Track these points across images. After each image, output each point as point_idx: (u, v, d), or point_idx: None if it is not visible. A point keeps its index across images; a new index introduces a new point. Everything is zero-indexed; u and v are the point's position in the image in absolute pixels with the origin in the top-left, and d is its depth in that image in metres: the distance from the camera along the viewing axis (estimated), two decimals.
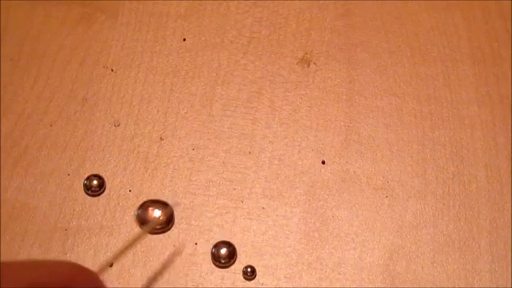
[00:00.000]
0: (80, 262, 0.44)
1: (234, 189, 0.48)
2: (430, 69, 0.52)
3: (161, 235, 0.46)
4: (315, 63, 0.53)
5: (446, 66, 0.53)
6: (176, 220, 0.47)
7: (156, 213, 0.46)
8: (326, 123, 0.50)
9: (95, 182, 0.47)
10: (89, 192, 0.47)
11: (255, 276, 0.45)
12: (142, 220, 0.46)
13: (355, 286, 0.45)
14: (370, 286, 0.45)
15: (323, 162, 0.49)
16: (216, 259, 0.45)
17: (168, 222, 0.46)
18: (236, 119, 0.50)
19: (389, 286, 0.45)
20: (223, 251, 0.45)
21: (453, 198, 0.48)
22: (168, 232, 0.46)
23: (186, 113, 0.51)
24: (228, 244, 0.46)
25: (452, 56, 0.53)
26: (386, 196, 0.48)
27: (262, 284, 0.45)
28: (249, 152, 0.49)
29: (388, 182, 0.48)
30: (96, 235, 0.46)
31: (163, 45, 0.53)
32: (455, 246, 0.46)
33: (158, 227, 0.46)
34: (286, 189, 0.48)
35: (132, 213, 0.47)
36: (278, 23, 0.54)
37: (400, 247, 0.46)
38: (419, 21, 0.54)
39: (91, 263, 0.45)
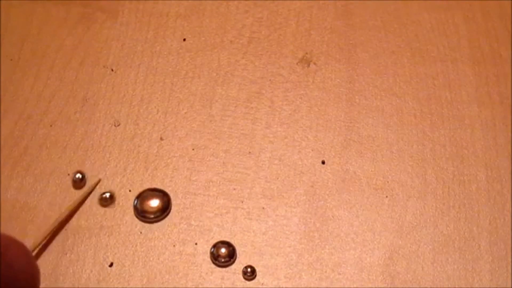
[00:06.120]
0: (80, 262, 0.45)
1: (234, 189, 0.48)
2: (430, 69, 0.52)
3: (161, 236, 0.46)
4: (315, 63, 0.53)
5: (446, 66, 0.53)
6: (175, 220, 0.47)
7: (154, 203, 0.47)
8: (326, 123, 0.50)
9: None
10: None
11: (255, 276, 0.45)
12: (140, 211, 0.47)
13: (355, 286, 0.45)
14: (370, 286, 0.45)
15: (323, 162, 0.49)
16: (216, 258, 0.45)
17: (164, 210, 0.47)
18: (236, 119, 0.50)
19: (389, 286, 0.45)
20: (223, 250, 0.45)
21: (453, 198, 0.48)
22: (168, 233, 0.46)
23: (186, 113, 0.51)
24: (228, 244, 0.46)
25: (452, 56, 0.53)
26: (386, 196, 0.48)
27: (262, 284, 0.45)
28: (249, 152, 0.49)
29: (388, 182, 0.48)
30: (96, 235, 0.46)
31: (163, 45, 0.53)
32: (455, 246, 0.46)
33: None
34: (286, 189, 0.48)
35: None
36: (278, 23, 0.54)
37: (400, 247, 0.46)
38: (419, 21, 0.54)
39: (91, 263, 0.45)
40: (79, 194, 0.47)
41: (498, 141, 0.50)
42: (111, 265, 0.45)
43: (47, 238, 0.45)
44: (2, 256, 0.38)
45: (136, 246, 0.46)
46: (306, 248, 0.46)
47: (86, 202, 0.47)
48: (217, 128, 0.50)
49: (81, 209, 0.47)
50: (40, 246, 0.44)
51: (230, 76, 0.52)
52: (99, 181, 0.47)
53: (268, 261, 0.45)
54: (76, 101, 0.51)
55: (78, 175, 0.47)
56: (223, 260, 0.45)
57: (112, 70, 0.52)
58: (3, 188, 0.47)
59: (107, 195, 0.47)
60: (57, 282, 0.44)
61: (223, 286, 0.45)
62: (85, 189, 0.47)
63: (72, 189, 0.47)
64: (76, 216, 0.46)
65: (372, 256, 0.46)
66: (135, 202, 0.47)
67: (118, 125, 0.50)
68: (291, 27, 0.54)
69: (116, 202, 0.47)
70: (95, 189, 0.47)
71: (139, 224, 0.46)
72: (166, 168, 0.48)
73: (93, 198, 0.47)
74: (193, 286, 0.45)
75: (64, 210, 0.46)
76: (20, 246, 0.41)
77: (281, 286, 0.45)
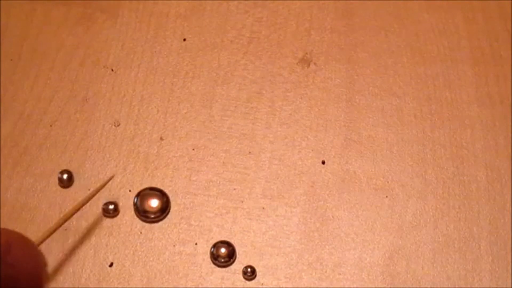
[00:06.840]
0: (80, 262, 0.45)
1: (234, 189, 0.48)
2: (430, 69, 0.52)
3: (161, 236, 0.46)
4: (315, 63, 0.53)
5: (446, 66, 0.53)
6: (175, 220, 0.47)
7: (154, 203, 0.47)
8: (326, 123, 0.50)
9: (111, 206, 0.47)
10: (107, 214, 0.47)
11: (255, 276, 0.45)
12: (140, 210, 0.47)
13: (355, 286, 0.45)
14: (370, 286, 0.45)
15: (323, 162, 0.49)
16: (216, 258, 0.45)
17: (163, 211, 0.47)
18: (236, 119, 0.50)
19: (389, 286, 0.45)
20: (223, 250, 0.45)
21: (453, 198, 0.48)
22: (168, 233, 0.46)
23: (186, 113, 0.51)
24: (228, 244, 0.46)
25: (452, 56, 0.53)
26: (386, 196, 0.48)
27: (262, 284, 0.45)
28: (249, 152, 0.49)
29: (388, 182, 0.48)
30: (96, 235, 0.46)
31: (163, 45, 0.53)
32: (455, 246, 0.46)
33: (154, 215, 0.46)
34: (286, 189, 0.48)
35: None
36: (278, 23, 0.54)
37: (400, 247, 0.46)
38: (419, 21, 0.54)
39: (91, 263, 0.45)
40: (77, 193, 0.47)
41: (498, 141, 0.50)
42: (111, 265, 0.45)
43: (50, 235, 0.44)
44: (3, 254, 0.38)
45: (136, 246, 0.46)
46: (306, 248, 0.46)
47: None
48: (217, 128, 0.50)
49: (81, 209, 0.47)
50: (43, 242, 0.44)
51: (230, 76, 0.52)
52: (112, 177, 0.47)
53: (268, 261, 0.45)
54: (76, 101, 0.51)
55: (65, 175, 0.47)
56: (223, 260, 0.45)
57: (112, 70, 0.52)
58: (3, 188, 0.47)
59: (111, 206, 0.47)
60: (57, 282, 0.44)
61: (223, 286, 0.45)
62: (97, 185, 0.47)
63: (72, 189, 0.47)
64: (76, 216, 0.46)
65: (372, 256, 0.46)
66: (135, 200, 0.47)
67: (118, 125, 0.50)
68: (291, 27, 0.54)
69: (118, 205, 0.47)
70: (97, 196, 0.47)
71: (139, 224, 0.47)
72: (166, 168, 0.48)
73: (95, 203, 0.47)
74: (193, 286, 0.45)
75: (71, 209, 0.45)
76: (25, 243, 0.40)
77: (281, 286, 0.45)
